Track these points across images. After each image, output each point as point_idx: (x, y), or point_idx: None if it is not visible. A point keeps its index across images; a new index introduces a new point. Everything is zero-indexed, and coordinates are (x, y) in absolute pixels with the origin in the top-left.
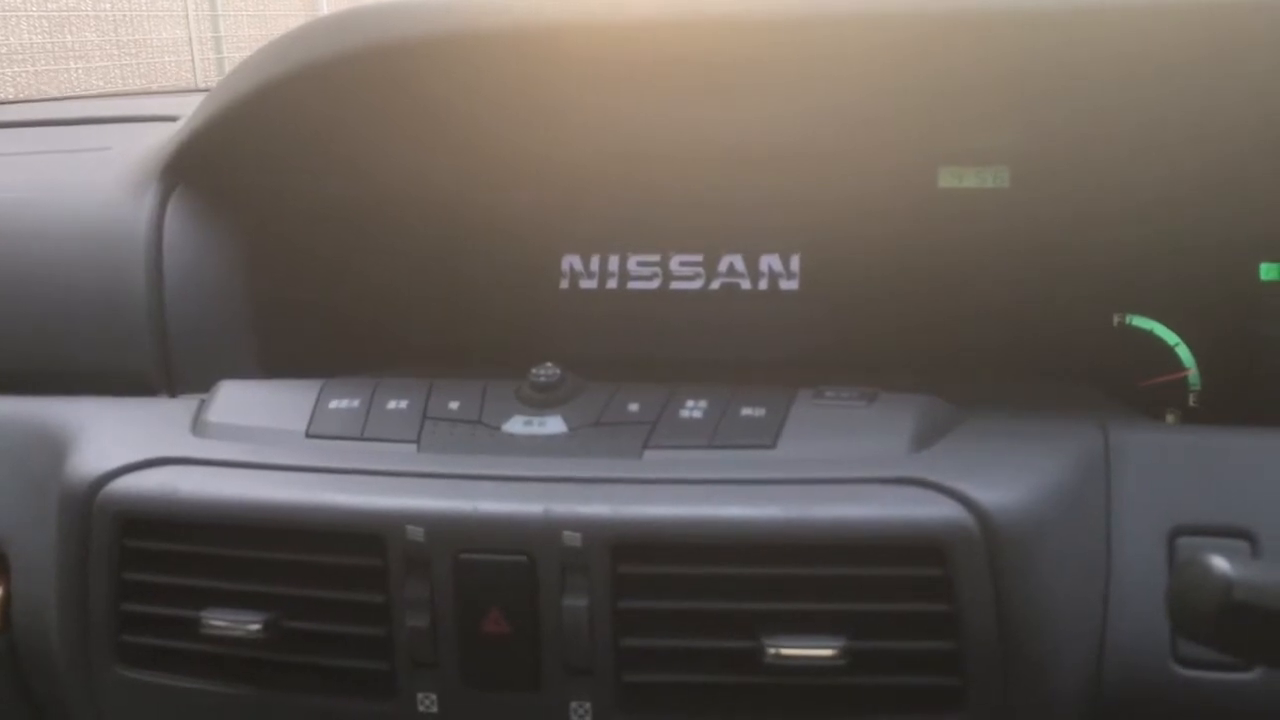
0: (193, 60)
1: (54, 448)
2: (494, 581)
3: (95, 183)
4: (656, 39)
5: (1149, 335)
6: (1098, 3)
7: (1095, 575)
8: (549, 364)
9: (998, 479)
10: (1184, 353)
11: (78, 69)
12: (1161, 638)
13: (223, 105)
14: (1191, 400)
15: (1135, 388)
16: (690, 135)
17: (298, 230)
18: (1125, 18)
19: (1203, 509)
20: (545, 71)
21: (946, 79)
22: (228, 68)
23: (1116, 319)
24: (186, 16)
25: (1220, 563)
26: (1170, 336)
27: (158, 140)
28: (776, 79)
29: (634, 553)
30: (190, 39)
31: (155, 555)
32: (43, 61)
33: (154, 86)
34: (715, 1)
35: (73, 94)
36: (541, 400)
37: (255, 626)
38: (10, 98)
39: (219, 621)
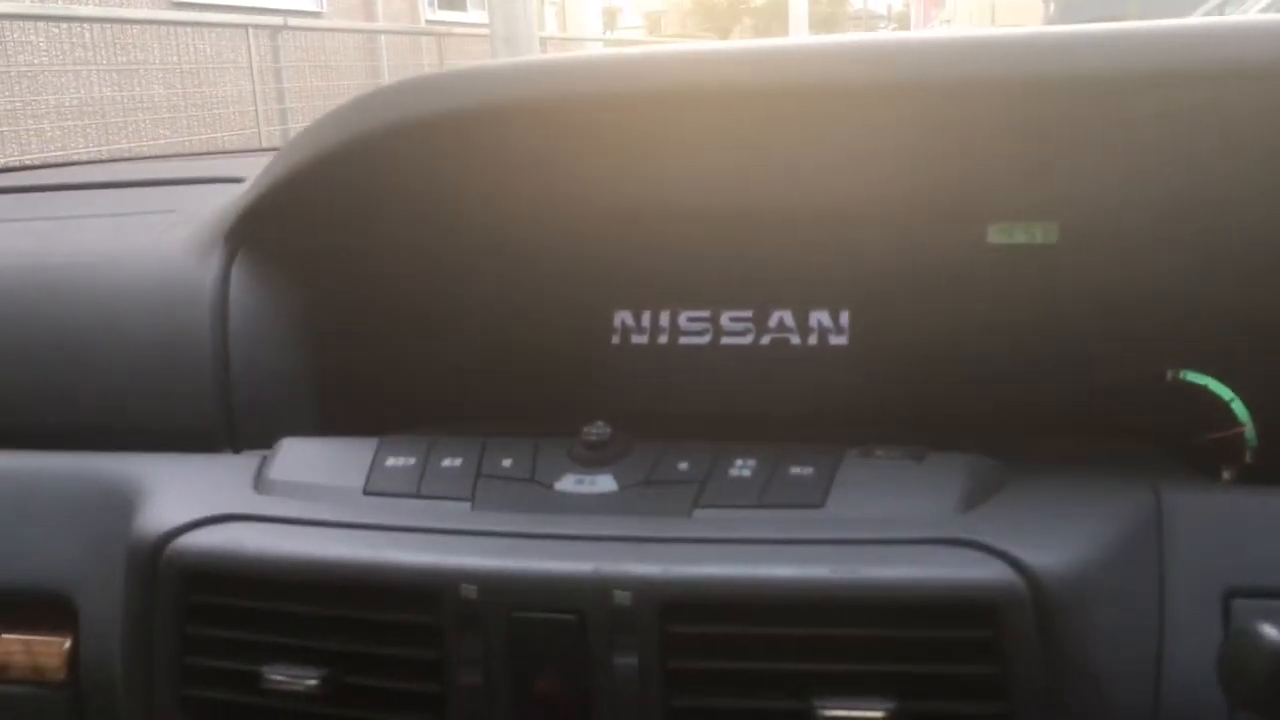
0: (256, 112)
1: (122, 503)
2: (545, 640)
3: (163, 245)
4: (710, 106)
5: (1203, 391)
6: (1143, 68)
7: (1148, 638)
8: (600, 422)
9: (1047, 540)
10: (1239, 408)
11: (145, 120)
12: (1217, 703)
13: (287, 170)
14: (1248, 456)
15: (1190, 444)
16: (740, 193)
17: (357, 291)
18: (1172, 81)
19: (1257, 571)
20: (600, 134)
21: (995, 138)
22: (290, 119)
23: (1170, 374)
24: (251, 69)
25: (1272, 631)
26: (1225, 392)
27: (223, 203)
28: (827, 140)
29: (684, 612)
30: (255, 92)
31: (219, 610)
32: (113, 114)
33: (219, 136)
34: (766, 70)
35: (140, 144)
36: (593, 459)
37: (313, 682)
38: (81, 148)
39: (278, 676)
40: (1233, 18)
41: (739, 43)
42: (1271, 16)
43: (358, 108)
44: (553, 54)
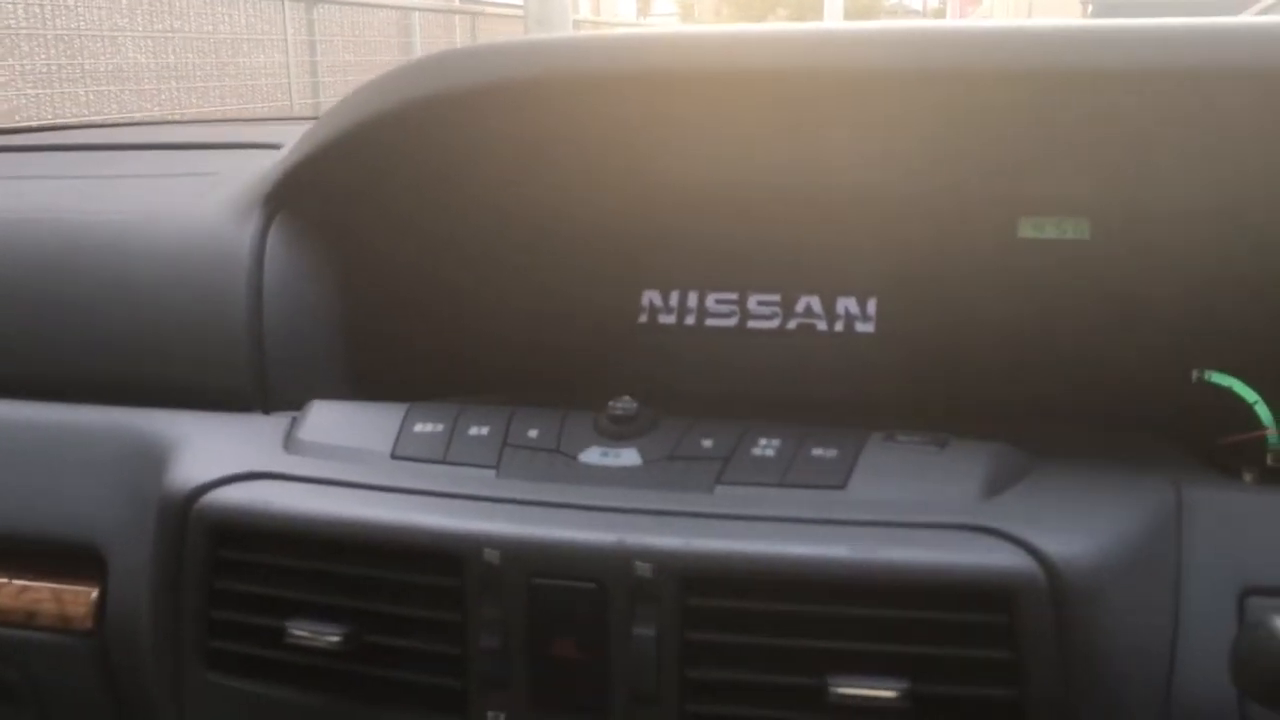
0: (289, 84)
1: (154, 458)
2: (565, 607)
3: (202, 206)
4: (744, 87)
5: (1228, 392)
6: (1176, 63)
7: (1162, 631)
8: (627, 397)
9: (1066, 530)
10: (1263, 411)
11: (179, 89)
12: (1229, 697)
13: (327, 137)
14: (1270, 460)
15: (1213, 444)
16: (772, 177)
17: (391, 259)
18: (1206, 78)
19: (1274, 570)
20: (634, 113)
21: (1027, 131)
22: (322, 93)
23: (1195, 374)
24: (286, 41)
25: None
26: (1249, 394)
27: (261, 168)
28: (860, 126)
29: (703, 586)
30: (289, 64)
31: (246, 566)
32: (146, 81)
33: (252, 107)
34: (802, 53)
35: (174, 112)
36: (618, 432)
37: (335, 638)
38: (113, 113)
39: (301, 631)
40: (1261, 19)
41: (774, 25)
42: None
43: (398, 77)
44: (590, 32)
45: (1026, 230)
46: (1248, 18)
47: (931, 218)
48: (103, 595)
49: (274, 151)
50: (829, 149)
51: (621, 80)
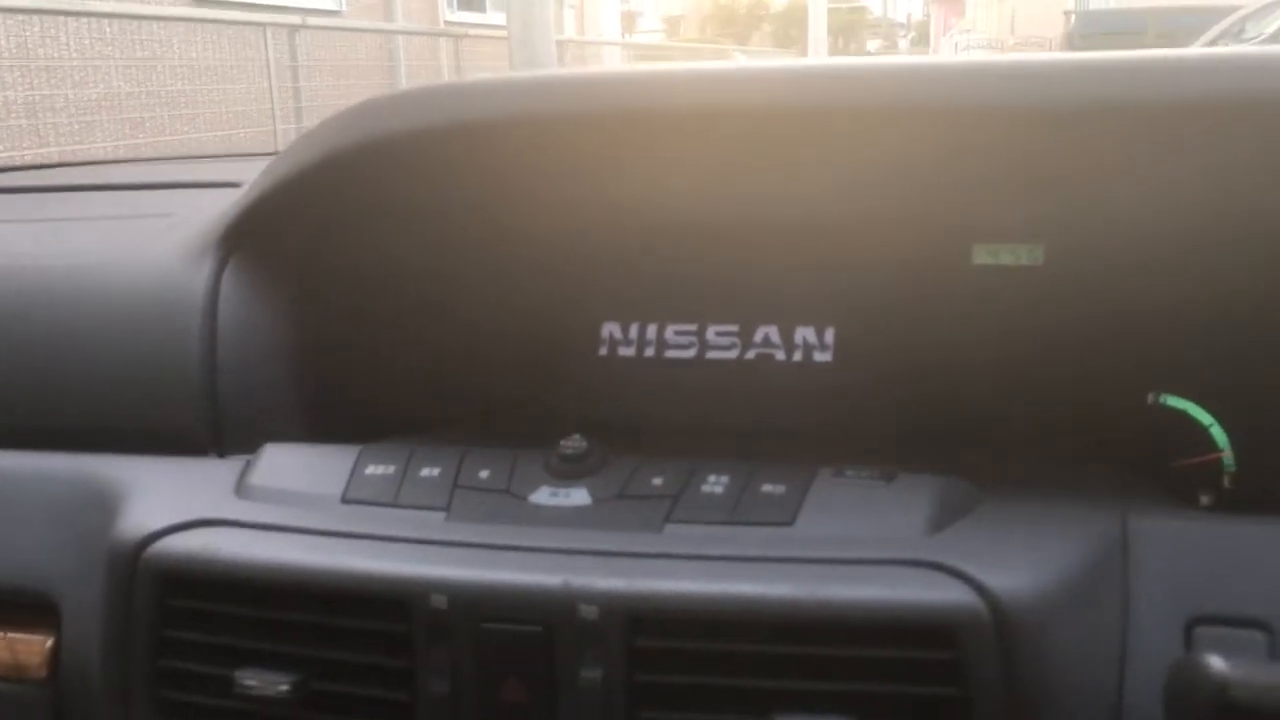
0: (272, 110)
1: (105, 504)
2: (513, 651)
3: (157, 249)
4: (697, 125)
5: (1183, 416)
6: (1129, 97)
7: (1110, 664)
8: (577, 435)
9: (1010, 564)
10: (1219, 434)
11: (163, 115)
12: None
13: (280, 178)
14: (1226, 482)
15: (1170, 468)
16: (729, 209)
17: (346, 298)
18: (1155, 113)
19: (1221, 599)
20: (591, 150)
21: (981, 162)
22: (306, 118)
23: (1151, 398)
24: (268, 68)
25: (1216, 662)
26: (1205, 417)
27: (217, 208)
28: (816, 159)
29: (649, 627)
30: (271, 88)
31: (195, 614)
32: (129, 109)
33: (236, 134)
34: (757, 92)
35: (157, 139)
36: (568, 472)
37: (284, 687)
38: (98, 142)
39: (250, 681)
40: (1216, 50)
41: (730, 64)
42: (1260, 49)
43: (348, 119)
44: (548, 70)
45: (981, 257)
46: (1197, 49)
47: (887, 247)
48: (57, 644)
49: (233, 190)
50: (785, 182)
51: (577, 121)
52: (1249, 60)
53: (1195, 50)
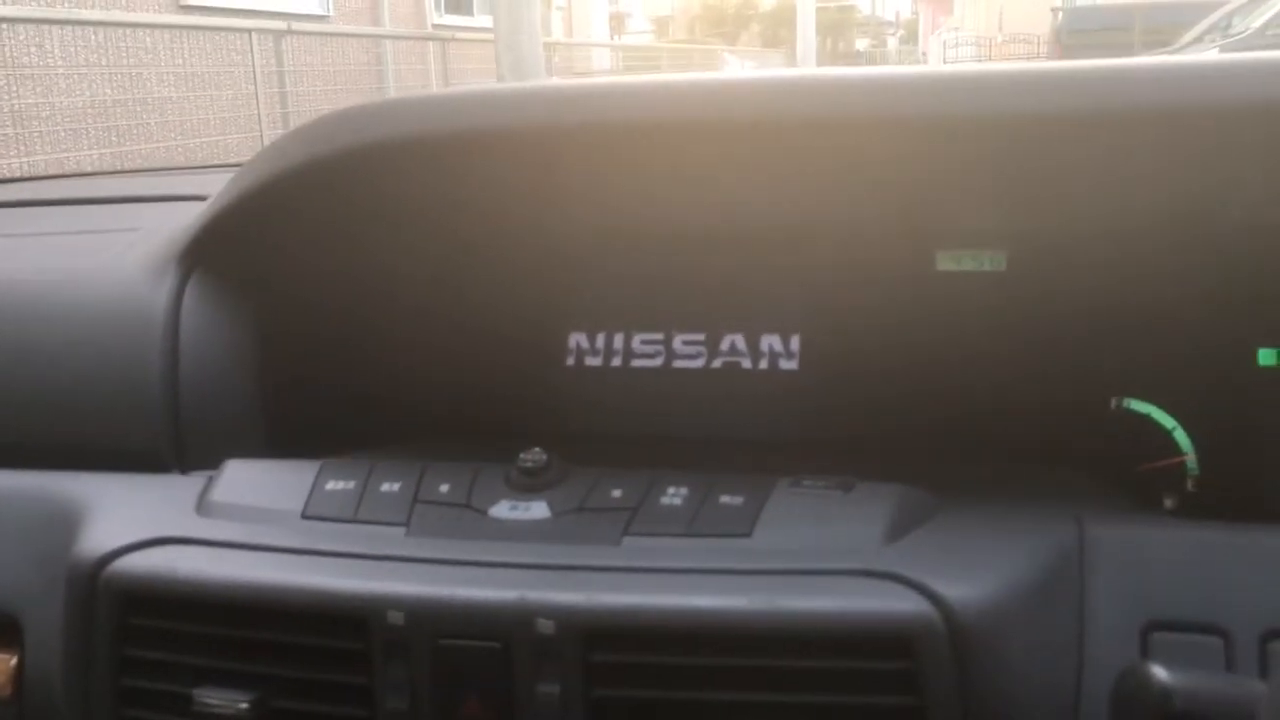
0: (259, 115)
1: (66, 522)
2: (470, 667)
3: (120, 264)
4: (662, 137)
5: (1146, 419)
6: (1089, 109)
7: (1067, 670)
8: (537, 449)
9: (965, 573)
10: (1181, 437)
11: (151, 122)
12: None
13: (239, 194)
14: (1190, 485)
15: (1134, 472)
16: (695, 218)
17: (308, 312)
18: (1117, 123)
19: (1177, 605)
20: (556, 161)
21: (942, 169)
22: (293, 123)
23: (1114, 402)
24: (255, 73)
25: (1160, 672)
26: (1168, 421)
27: (182, 222)
28: (780, 168)
29: (606, 641)
30: (258, 93)
31: (155, 632)
32: (117, 116)
33: (224, 139)
34: (719, 104)
35: (145, 146)
36: (528, 485)
37: (244, 705)
38: (86, 150)
39: (210, 699)
40: (1176, 58)
41: (692, 76)
42: (1218, 57)
43: (306, 134)
44: (512, 84)
45: (945, 263)
46: (1154, 58)
47: (852, 254)
48: (20, 662)
49: (199, 204)
50: (750, 191)
51: (541, 133)
52: (1207, 69)
53: (1155, 59)
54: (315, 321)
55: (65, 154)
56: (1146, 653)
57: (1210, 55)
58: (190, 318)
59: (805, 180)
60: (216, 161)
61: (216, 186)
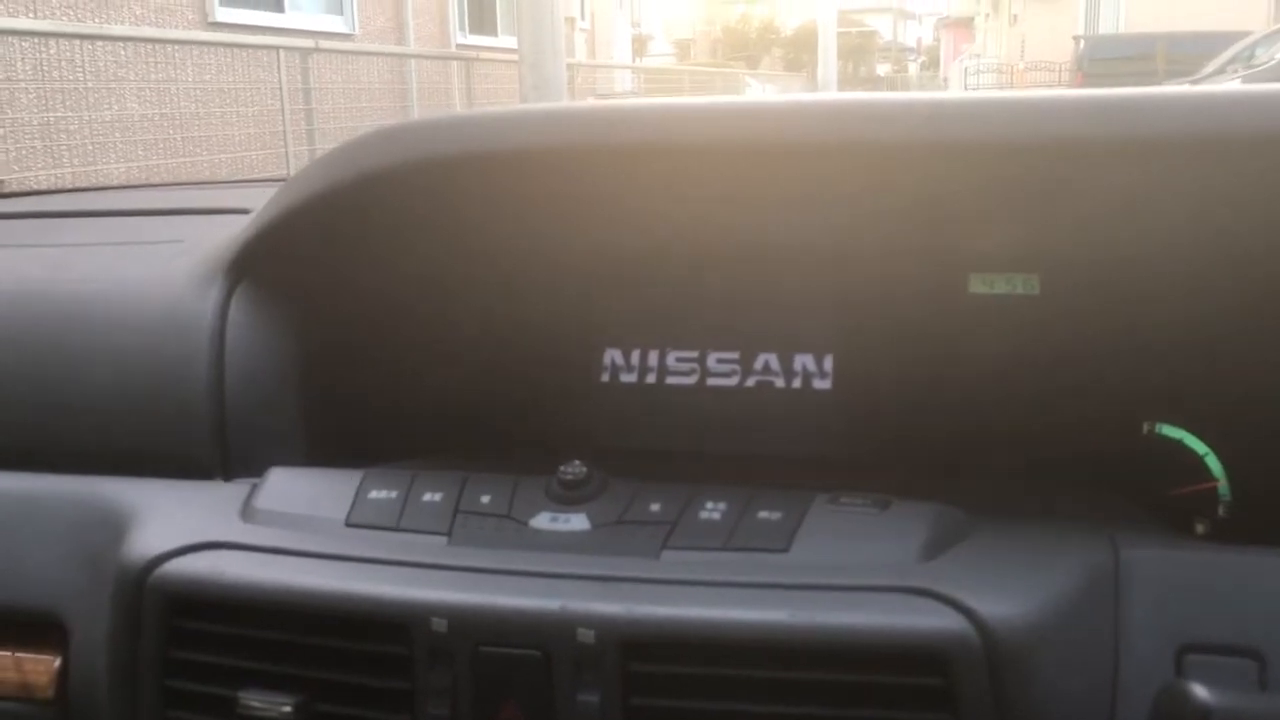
0: (285, 132)
1: (113, 527)
2: (510, 674)
3: (167, 275)
4: (699, 159)
5: (1178, 445)
6: (1123, 136)
7: (1101, 691)
8: (577, 461)
9: (1001, 591)
10: (1213, 463)
11: (177, 137)
12: None
13: (285, 207)
14: (1221, 510)
15: (1165, 497)
16: (729, 238)
17: (351, 325)
18: (1149, 149)
19: (1211, 628)
20: (595, 180)
21: (978, 193)
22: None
23: (1146, 427)
24: (281, 90)
25: (1200, 691)
26: (1200, 446)
27: (226, 235)
28: (812, 192)
29: (645, 651)
30: (283, 110)
31: (201, 636)
32: (144, 130)
33: (249, 155)
34: (753, 127)
35: (170, 160)
36: (568, 497)
37: (288, 708)
38: (112, 163)
39: (254, 701)
40: (1211, 87)
41: (736, 99)
42: (1249, 88)
43: (353, 150)
44: (554, 104)
45: (977, 286)
46: (1191, 87)
47: (885, 276)
48: (65, 664)
49: (242, 217)
50: (784, 213)
51: (580, 152)
52: (1241, 98)
53: (1190, 88)
54: (357, 334)
55: (91, 167)
56: (1181, 674)
57: (1234, 85)
58: (236, 328)
59: (840, 203)
60: (240, 177)
61: (258, 200)
